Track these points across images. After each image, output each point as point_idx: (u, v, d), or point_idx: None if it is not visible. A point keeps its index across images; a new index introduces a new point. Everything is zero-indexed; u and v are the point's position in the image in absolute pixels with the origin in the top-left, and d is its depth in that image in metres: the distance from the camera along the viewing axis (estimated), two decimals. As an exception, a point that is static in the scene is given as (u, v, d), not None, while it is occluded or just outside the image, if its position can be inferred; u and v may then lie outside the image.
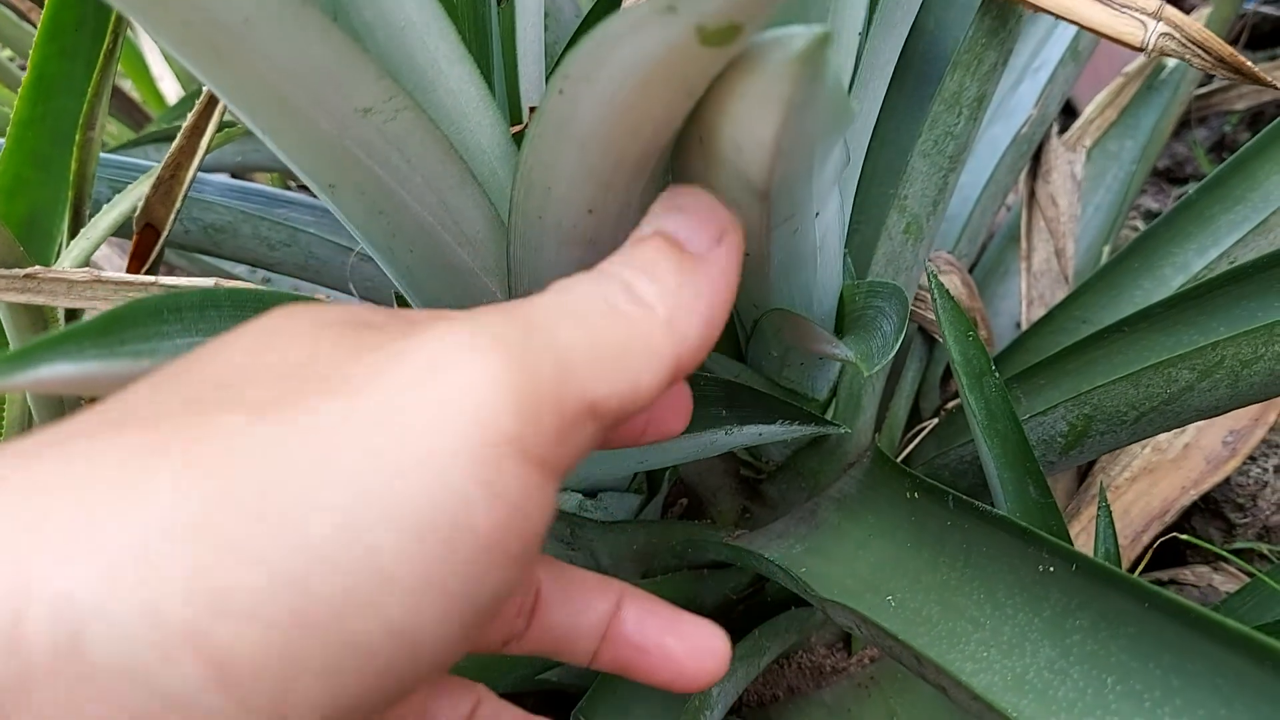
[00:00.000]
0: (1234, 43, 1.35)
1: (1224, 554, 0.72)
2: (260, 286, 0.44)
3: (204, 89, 0.71)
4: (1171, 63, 1.09)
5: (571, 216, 0.43)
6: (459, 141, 0.44)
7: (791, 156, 0.35)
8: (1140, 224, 1.17)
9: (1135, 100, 1.00)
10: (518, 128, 0.47)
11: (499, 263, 0.49)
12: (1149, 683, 0.42)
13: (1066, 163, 0.84)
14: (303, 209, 0.84)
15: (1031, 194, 0.85)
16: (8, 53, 1.52)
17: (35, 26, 1.25)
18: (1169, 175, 1.24)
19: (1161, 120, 0.98)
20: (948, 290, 0.57)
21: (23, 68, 1.40)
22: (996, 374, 0.55)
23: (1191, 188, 1.24)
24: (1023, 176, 0.87)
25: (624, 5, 0.40)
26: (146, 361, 0.32)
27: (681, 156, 0.42)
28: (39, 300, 0.57)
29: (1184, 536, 0.80)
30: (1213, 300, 0.59)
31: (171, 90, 1.43)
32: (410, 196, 0.43)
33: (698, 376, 0.60)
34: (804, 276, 0.54)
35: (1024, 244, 0.84)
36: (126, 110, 1.44)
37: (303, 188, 1.22)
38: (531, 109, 0.46)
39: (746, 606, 0.78)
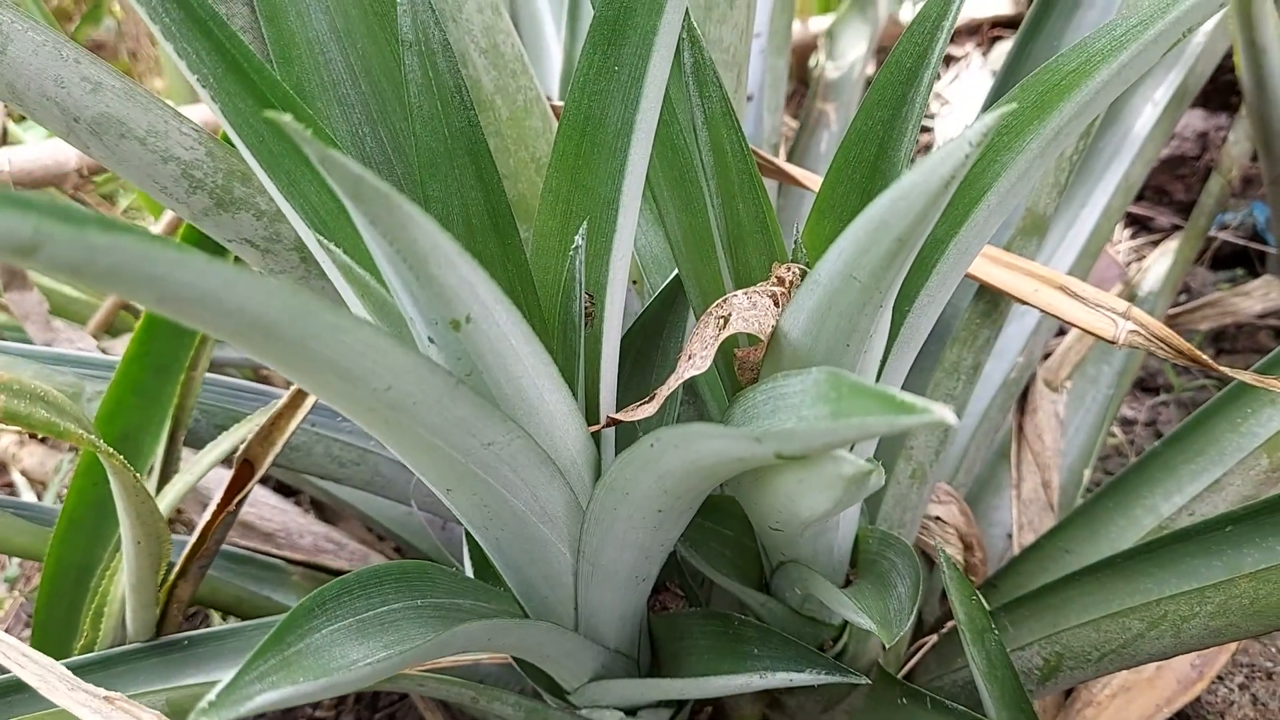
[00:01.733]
0: (1198, 262, 1.47)
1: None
2: (361, 567, 0.53)
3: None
4: (1146, 288, 1.20)
5: (642, 512, 0.53)
6: (549, 446, 0.53)
7: (834, 511, 0.44)
8: (1118, 430, 1.27)
9: (1110, 327, 1.10)
10: (595, 427, 0.56)
11: (572, 534, 0.58)
12: None
13: (1050, 403, 0.94)
14: (363, 422, 0.93)
15: (1020, 428, 0.95)
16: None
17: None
18: (1143, 385, 1.35)
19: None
20: (954, 560, 0.65)
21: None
22: (995, 631, 0.64)
23: (1163, 397, 1.34)
24: (1012, 411, 0.97)
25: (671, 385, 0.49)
26: (324, 681, 0.40)
27: (737, 478, 0.52)
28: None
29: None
30: (1163, 555, 0.69)
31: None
32: (510, 494, 0.53)
33: (732, 616, 0.69)
34: (827, 539, 0.63)
35: (1014, 474, 0.93)
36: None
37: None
38: (609, 417, 0.56)
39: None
